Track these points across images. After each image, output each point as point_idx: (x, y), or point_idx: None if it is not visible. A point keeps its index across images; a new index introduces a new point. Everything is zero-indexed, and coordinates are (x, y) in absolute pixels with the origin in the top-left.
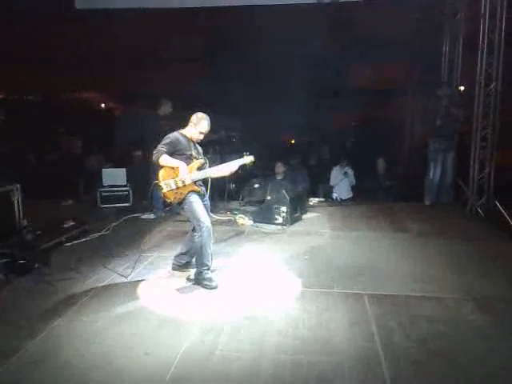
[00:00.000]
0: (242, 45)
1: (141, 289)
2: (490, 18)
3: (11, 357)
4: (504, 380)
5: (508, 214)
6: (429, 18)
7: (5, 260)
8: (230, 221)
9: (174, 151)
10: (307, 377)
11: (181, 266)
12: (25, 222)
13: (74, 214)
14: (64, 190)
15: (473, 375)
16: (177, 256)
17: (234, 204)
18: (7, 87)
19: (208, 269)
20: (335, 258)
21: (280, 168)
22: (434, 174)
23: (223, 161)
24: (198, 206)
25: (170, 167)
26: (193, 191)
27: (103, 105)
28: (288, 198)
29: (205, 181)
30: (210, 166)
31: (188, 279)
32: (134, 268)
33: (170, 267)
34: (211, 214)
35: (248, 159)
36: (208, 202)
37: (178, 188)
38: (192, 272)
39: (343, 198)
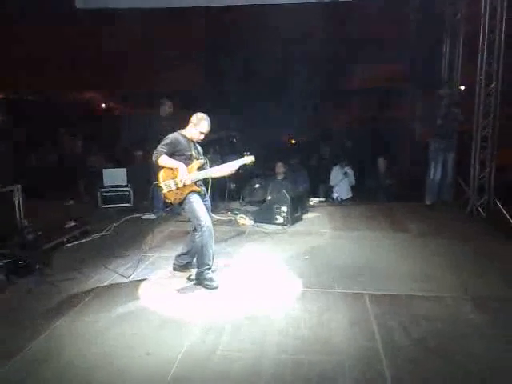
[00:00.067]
0: (241, 45)
1: (142, 289)
2: (489, 18)
3: (15, 356)
4: (500, 377)
5: (509, 214)
6: (429, 18)
7: (6, 261)
8: (230, 221)
9: (174, 152)
10: (308, 376)
11: (182, 266)
12: (26, 223)
13: (75, 215)
14: (65, 191)
15: (471, 372)
16: (178, 256)
17: (235, 204)
18: (7, 87)
19: (209, 268)
20: (336, 258)
21: (280, 168)
22: (435, 173)
23: (224, 161)
24: (198, 206)
25: (169, 168)
26: (193, 191)
27: (103, 105)
28: (289, 197)
29: (205, 181)
30: (210, 166)
31: (189, 279)
32: (135, 268)
33: (171, 267)
34: (212, 214)
35: (248, 159)
36: (209, 202)
37: (178, 188)
38: (193, 272)
39: (343, 198)
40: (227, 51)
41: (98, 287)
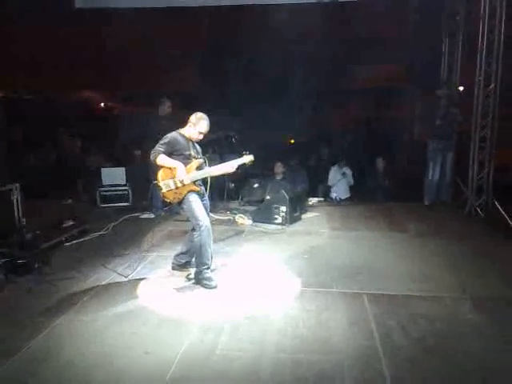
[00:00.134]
0: (241, 44)
1: (141, 288)
2: (489, 18)
3: (14, 355)
4: (498, 376)
5: (507, 214)
6: (428, 19)
7: (4, 260)
8: (229, 220)
9: (173, 151)
10: (307, 375)
11: (180, 265)
12: (24, 222)
13: (74, 214)
14: (64, 190)
15: (469, 372)
16: (176, 255)
17: (234, 204)
18: (6, 87)
19: (208, 268)
20: (334, 258)
21: (279, 168)
22: (434, 173)
23: (223, 161)
24: (197, 205)
25: (168, 167)
26: (192, 191)
27: (103, 104)
28: (287, 197)
29: (204, 180)
30: (209, 166)
31: (188, 278)
32: (134, 268)
33: (169, 267)
34: (210, 214)
35: (247, 158)
36: (207, 202)
37: (177, 188)
38: (192, 271)
39: (342, 198)
40: (227, 52)
41: (96, 286)
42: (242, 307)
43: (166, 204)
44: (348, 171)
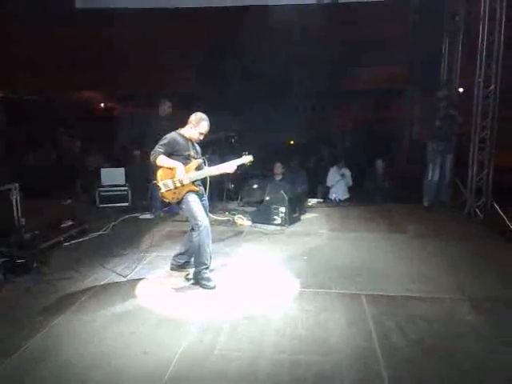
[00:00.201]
0: (242, 45)
1: (139, 288)
2: (489, 19)
3: (12, 354)
4: (497, 377)
5: (506, 216)
6: (428, 19)
7: (3, 259)
8: (228, 221)
9: (173, 152)
10: (305, 376)
11: (179, 265)
12: (23, 222)
13: (73, 214)
14: (63, 190)
15: (468, 373)
16: (175, 256)
17: (233, 204)
18: (6, 87)
19: (207, 268)
20: (333, 259)
21: (279, 169)
22: (433, 175)
23: (222, 161)
24: (195, 205)
25: (167, 167)
26: (191, 191)
27: (102, 105)
28: (287, 198)
29: (203, 181)
30: (208, 166)
31: (186, 279)
32: (133, 268)
33: (168, 267)
34: (209, 214)
35: (247, 159)
36: (206, 202)
37: (176, 188)
38: (190, 271)
39: (341, 199)
40: (228, 52)
41: (95, 286)
42: (240, 307)
43: (165, 204)
44: (347, 172)
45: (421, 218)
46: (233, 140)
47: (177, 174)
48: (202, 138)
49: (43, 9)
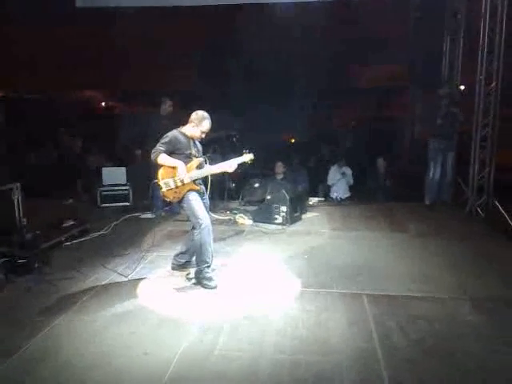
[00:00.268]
0: (242, 44)
1: (140, 288)
2: (490, 16)
3: (13, 354)
4: (498, 377)
5: (507, 214)
6: (429, 18)
7: (4, 259)
8: (229, 220)
9: (174, 150)
10: (305, 377)
11: (180, 265)
12: (25, 221)
13: (74, 214)
14: (64, 190)
15: (469, 373)
16: (176, 255)
17: (234, 203)
18: (7, 86)
19: (208, 266)
20: (334, 258)
21: (280, 168)
22: (434, 173)
23: (224, 160)
24: (197, 204)
25: (168, 166)
26: (192, 190)
27: (103, 104)
28: (288, 197)
29: (204, 179)
30: (209, 165)
31: (187, 278)
32: (134, 268)
33: (169, 266)
34: (210, 213)
35: (247, 157)
36: (207, 201)
37: (176, 187)
38: (191, 271)
39: (342, 198)
40: (228, 51)
41: (96, 286)
42: (241, 307)
43: (166, 204)
44: (347, 171)
45: (422, 216)
46: (234, 139)
47: (178, 172)
48: (203, 136)
49: (43, 8)
